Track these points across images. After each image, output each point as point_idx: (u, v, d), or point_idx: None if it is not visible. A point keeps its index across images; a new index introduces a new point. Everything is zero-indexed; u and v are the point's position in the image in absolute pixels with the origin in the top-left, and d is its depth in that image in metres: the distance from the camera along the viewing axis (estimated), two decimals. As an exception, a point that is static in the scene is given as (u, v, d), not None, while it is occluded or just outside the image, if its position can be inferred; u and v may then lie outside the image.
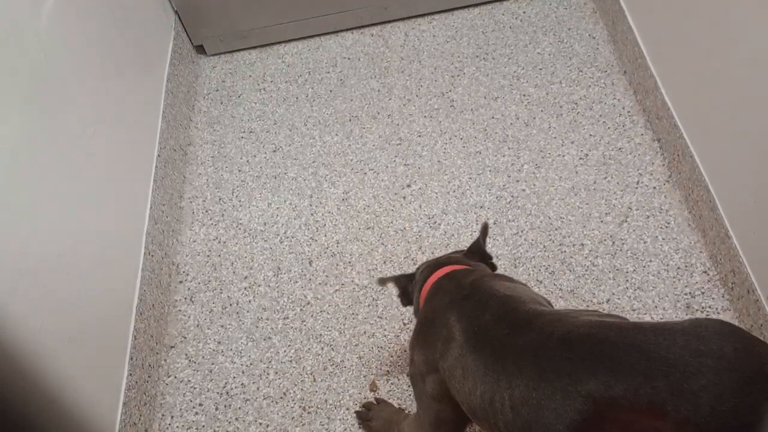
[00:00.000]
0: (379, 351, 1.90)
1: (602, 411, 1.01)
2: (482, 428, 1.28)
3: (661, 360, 0.98)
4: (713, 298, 1.83)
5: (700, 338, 0.99)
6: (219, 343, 2.00)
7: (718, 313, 1.80)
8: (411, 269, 2.03)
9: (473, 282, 1.39)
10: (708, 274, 1.88)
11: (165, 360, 1.99)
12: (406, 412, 1.70)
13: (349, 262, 2.10)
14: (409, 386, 1.82)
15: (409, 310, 1.95)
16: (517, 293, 1.32)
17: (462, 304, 1.33)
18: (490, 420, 1.19)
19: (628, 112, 2.29)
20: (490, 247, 2.04)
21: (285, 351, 1.95)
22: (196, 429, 1.85)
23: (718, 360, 0.96)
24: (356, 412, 1.78)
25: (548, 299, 1.40)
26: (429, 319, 1.40)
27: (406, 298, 1.64)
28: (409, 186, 2.25)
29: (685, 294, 1.85)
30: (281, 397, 1.86)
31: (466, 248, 1.61)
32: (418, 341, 1.41)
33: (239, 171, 2.41)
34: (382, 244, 2.11)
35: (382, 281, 1.63)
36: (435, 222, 2.13)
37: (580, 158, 2.20)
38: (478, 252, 1.59)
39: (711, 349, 0.97)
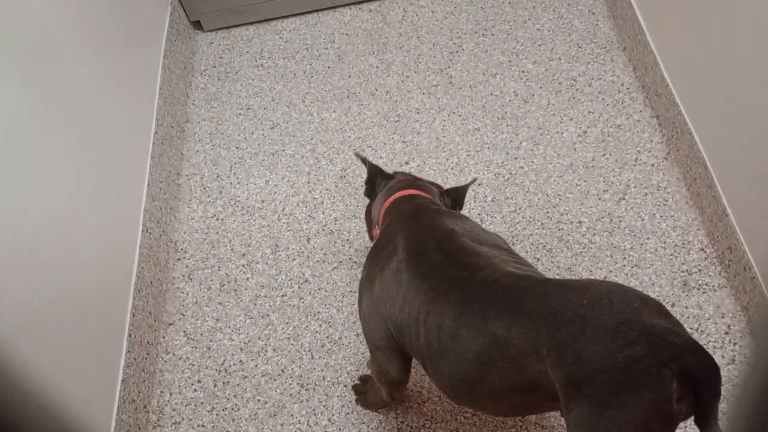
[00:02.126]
0: (376, 328, 1.91)
1: (502, 348, 1.12)
2: (405, 348, 1.37)
3: (548, 309, 1.07)
4: (710, 276, 1.83)
5: (587, 293, 1.06)
6: (217, 320, 2.00)
7: (715, 290, 1.81)
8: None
9: (425, 207, 1.47)
10: (705, 252, 1.88)
11: (163, 337, 2.00)
12: None
13: (347, 240, 2.10)
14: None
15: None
16: (465, 230, 1.38)
17: (411, 224, 1.41)
18: (412, 340, 1.29)
19: (627, 88, 2.28)
20: (488, 223, 2.03)
21: (283, 328, 1.96)
22: (195, 405, 1.86)
23: (594, 311, 1.02)
24: (353, 385, 1.80)
25: (505, 241, 1.47)
26: (381, 235, 1.48)
27: (369, 190, 1.71)
28: (407, 163, 2.24)
29: (682, 271, 1.85)
30: (279, 374, 1.87)
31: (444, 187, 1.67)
32: (370, 255, 1.47)
33: (237, 148, 2.40)
34: (380, 221, 2.11)
35: (360, 156, 1.72)
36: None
37: (579, 135, 2.19)
38: (454, 197, 1.67)
39: (591, 302, 1.04)
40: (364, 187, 1.74)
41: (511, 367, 1.12)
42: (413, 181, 1.63)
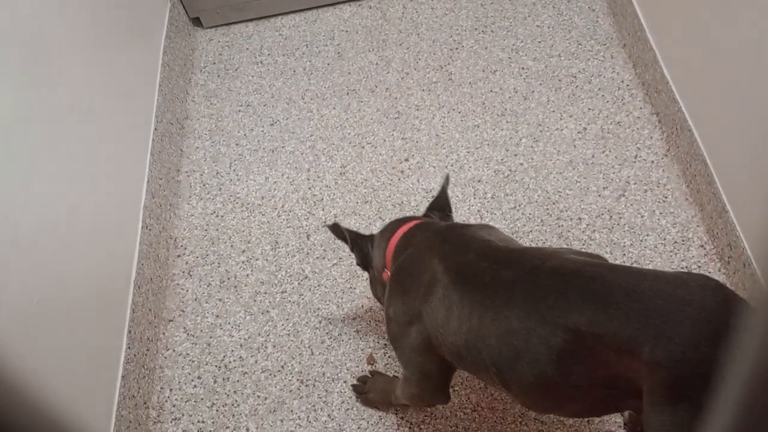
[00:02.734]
0: (376, 325, 1.91)
1: (587, 344, 1.05)
2: (467, 370, 1.31)
3: (645, 303, 1.01)
4: (710, 272, 1.83)
5: (685, 288, 1.02)
6: (217, 316, 2.00)
7: (715, 286, 1.81)
8: (408, 243, 2.03)
9: (449, 227, 1.41)
10: (705, 248, 1.88)
11: (163, 333, 2.00)
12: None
13: (347, 236, 2.10)
14: (406, 359, 1.83)
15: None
16: (496, 236, 1.34)
17: (442, 246, 1.33)
18: (476, 357, 1.21)
19: (627, 85, 2.28)
20: (488, 220, 2.04)
21: (283, 325, 1.96)
22: (195, 401, 1.86)
23: (699, 311, 0.99)
24: (353, 385, 1.79)
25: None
26: (405, 269, 1.39)
27: (363, 260, 1.60)
28: (407, 160, 2.24)
29: (682, 268, 1.85)
30: (279, 370, 1.88)
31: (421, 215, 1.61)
32: (396, 294, 1.39)
33: (237, 145, 2.40)
34: (380, 218, 2.11)
35: (331, 228, 1.57)
36: (433, 196, 2.13)
37: (579, 132, 2.19)
38: (439, 206, 1.60)
39: (694, 299, 1.00)
40: (353, 257, 1.62)
41: (597, 364, 1.06)
42: (404, 217, 1.56)
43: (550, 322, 1.08)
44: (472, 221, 2.04)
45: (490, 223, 2.02)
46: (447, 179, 1.64)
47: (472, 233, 1.34)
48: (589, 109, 2.24)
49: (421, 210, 2.10)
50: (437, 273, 1.29)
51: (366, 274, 1.90)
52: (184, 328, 2.00)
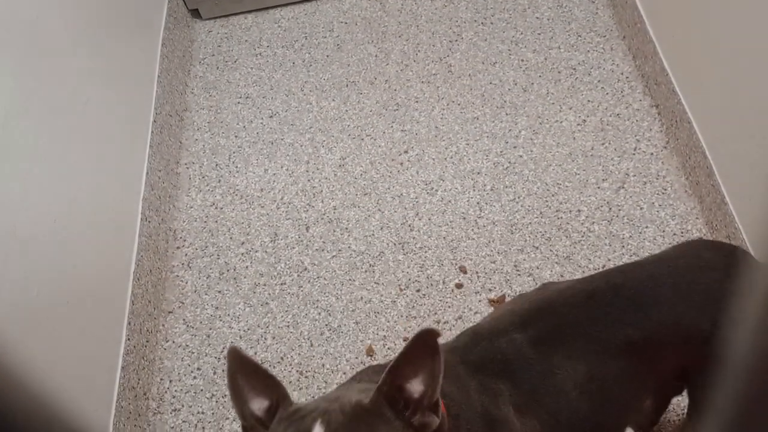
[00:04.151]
0: (375, 316, 1.91)
1: (643, 349, 1.06)
2: None
3: (676, 285, 1.07)
4: (708, 264, 1.83)
5: (695, 256, 1.08)
6: (216, 308, 2.01)
7: (713, 279, 1.81)
8: (408, 235, 2.04)
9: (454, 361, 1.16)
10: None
11: (163, 325, 2.00)
12: None
13: (346, 228, 2.10)
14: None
15: (406, 275, 1.96)
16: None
17: (471, 379, 1.12)
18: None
19: (627, 77, 2.28)
20: (487, 212, 2.04)
21: (282, 316, 1.96)
22: (195, 392, 1.87)
23: (721, 271, 1.05)
24: None
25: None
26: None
27: None
28: (406, 152, 2.24)
29: (681, 260, 1.86)
30: (279, 362, 1.88)
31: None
32: None
33: (236, 137, 2.40)
34: (379, 210, 2.12)
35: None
36: (432, 188, 2.13)
37: (578, 124, 2.19)
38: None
39: (709, 263, 1.07)
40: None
41: (655, 364, 1.07)
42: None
43: (608, 349, 1.06)
44: (471, 214, 2.05)
45: (490, 217, 2.02)
46: None
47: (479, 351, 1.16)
48: (589, 101, 2.24)
49: (421, 203, 2.10)
50: (498, 389, 1.12)
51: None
52: (184, 319, 2.00)
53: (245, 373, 0.92)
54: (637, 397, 1.11)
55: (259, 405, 0.93)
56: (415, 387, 0.87)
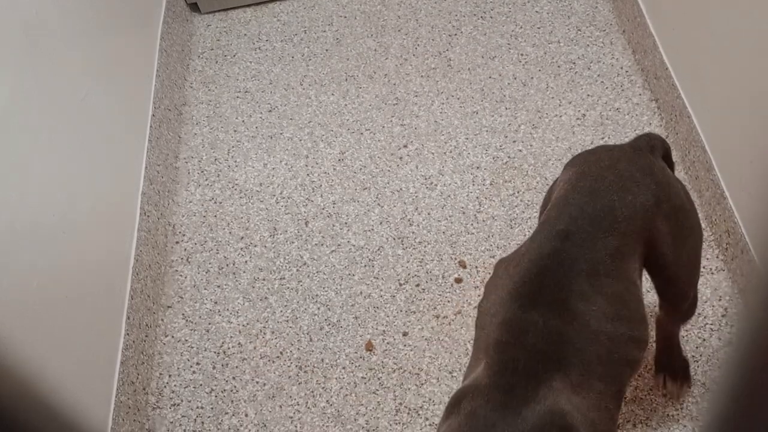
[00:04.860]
0: (375, 311, 1.91)
1: (625, 246, 1.18)
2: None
3: (620, 184, 1.23)
4: (707, 258, 1.83)
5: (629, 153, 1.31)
6: (216, 303, 2.01)
7: (713, 273, 1.81)
8: (407, 230, 2.04)
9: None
10: (703, 235, 1.88)
11: (162, 320, 2.00)
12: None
13: (346, 223, 2.10)
14: (404, 345, 1.83)
15: (405, 270, 1.96)
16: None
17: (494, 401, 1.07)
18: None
19: (627, 71, 2.27)
20: (486, 207, 2.04)
21: (281, 311, 1.96)
22: (194, 387, 1.87)
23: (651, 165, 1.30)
24: None
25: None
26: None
27: None
28: (405, 146, 2.24)
29: (680, 254, 1.85)
30: (278, 357, 1.88)
31: None
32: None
33: (235, 131, 2.39)
34: (379, 204, 2.11)
35: None
36: (431, 183, 2.13)
37: (578, 118, 2.19)
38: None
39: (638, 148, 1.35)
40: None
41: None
42: None
43: (603, 266, 1.15)
44: (470, 208, 2.05)
45: (489, 212, 2.02)
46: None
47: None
48: (588, 95, 2.24)
49: (421, 198, 2.10)
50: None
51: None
52: (183, 314, 2.00)
53: None
54: (639, 289, 1.21)
55: None
56: None
